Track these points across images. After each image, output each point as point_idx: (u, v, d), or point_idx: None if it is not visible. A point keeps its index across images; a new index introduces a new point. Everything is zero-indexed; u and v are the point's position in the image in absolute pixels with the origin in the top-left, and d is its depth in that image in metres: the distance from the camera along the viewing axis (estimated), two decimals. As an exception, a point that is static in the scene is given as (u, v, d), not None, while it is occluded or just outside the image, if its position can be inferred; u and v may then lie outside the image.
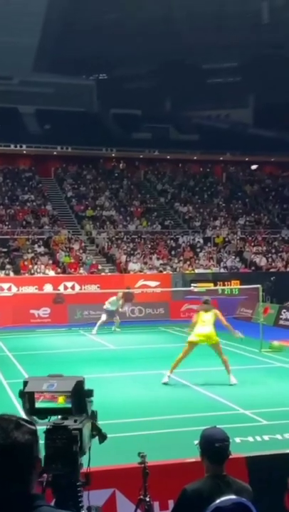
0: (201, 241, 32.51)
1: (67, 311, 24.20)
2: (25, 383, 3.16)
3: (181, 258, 30.04)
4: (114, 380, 13.13)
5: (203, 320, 12.56)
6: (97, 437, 3.24)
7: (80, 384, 3.13)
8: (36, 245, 29.58)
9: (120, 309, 21.75)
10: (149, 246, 31.11)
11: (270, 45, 40.23)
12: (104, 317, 21.15)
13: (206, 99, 44.51)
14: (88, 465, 3.10)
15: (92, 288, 25.40)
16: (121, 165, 40.29)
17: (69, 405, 3.08)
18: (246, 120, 46.64)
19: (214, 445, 3.68)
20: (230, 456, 3.86)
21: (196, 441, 3.92)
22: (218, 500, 3.56)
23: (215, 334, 12.59)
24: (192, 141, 41.67)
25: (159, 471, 5.14)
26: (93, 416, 3.22)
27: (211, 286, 26.41)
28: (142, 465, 4.50)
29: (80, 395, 3.11)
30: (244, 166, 42.61)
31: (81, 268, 27.83)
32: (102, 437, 3.28)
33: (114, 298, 21.25)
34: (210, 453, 3.72)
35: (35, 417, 3.07)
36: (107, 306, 21.19)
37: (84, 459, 3.04)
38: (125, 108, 43.16)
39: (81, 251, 29.70)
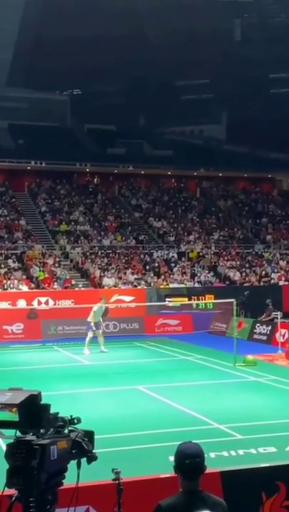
0: (176, 256, 32.61)
1: (40, 326, 23.99)
2: None
3: (154, 272, 30.09)
4: (89, 396, 13.03)
5: None
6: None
7: (32, 398, 3.10)
8: (10, 260, 29.36)
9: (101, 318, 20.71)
10: (124, 261, 31.09)
11: (242, 62, 40.79)
12: (90, 333, 20.23)
13: (180, 115, 44.92)
14: (77, 481, 3.08)
15: (66, 303, 25.24)
16: (95, 180, 40.33)
17: (16, 418, 3.04)
18: (219, 136, 47.14)
19: (185, 461, 3.66)
20: (205, 471, 3.84)
21: (172, 457, 3.89)
22: (192, 516, 3.53)
23: None
24: (166, 157, 41.94)
25: (134, 487, 5.09)
26: (79, 435, 3.22)
27: (185, 300, 26.46)
28: (116, 481, 4.45)
29: (31, 409, 3.07)
30: (218, 181, 43.00)
31: (55, 283, 27.68)
32: (90, 458, 3.27)
33: (98, 305, 20.37)
34: (183, 469, 3.70)
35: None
36: (91, 318, 20.17)
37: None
38: (99, 123, 43.32)
39: (55, 266, 29.56)
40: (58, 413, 3.33)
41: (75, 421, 3.33)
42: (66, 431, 3.29)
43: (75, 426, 3.32)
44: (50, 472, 3.06)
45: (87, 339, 20.09)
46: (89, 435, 3.34)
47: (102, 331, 20.47)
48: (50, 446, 3.04)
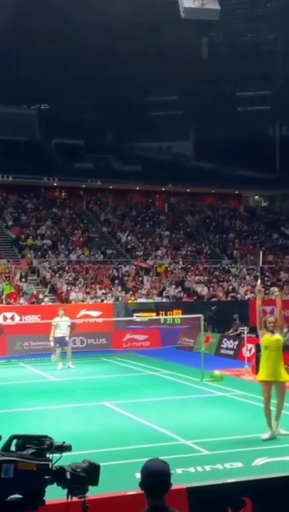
0: (143, 271, 32.64)
1: (6, 342, 23.68)
2: None
3: (122, 287, 30.03)
4: (55, 413, 12.88)
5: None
6: None
7: None
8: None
9: (68, 333, 20.18)
10: (92, 275, 30.98)
11: (210, 80, 41.34)
12: (57, 350, 19.95)
13: (148, 131, 45.22)
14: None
15: (33, 318, 24.98)
16: (63, 194, 40.21)
17: None
18: (187, 152, 47.59)
19: (148, 480, 3.63)
20: (171, 488, 3.82)
21: (138, 474, 3.86)
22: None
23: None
24: (135, 172, 42.11)
25: (100, 504, 5.03)
26: (73, 465, 3.19)
27: (153, 315, 26.46)
28: (82, 499, 4.39)
29: None
30: (185, 197, 43.32)
31: (21, 298, 27.39)
32: (71, 490, 3.23)
33: (57, 319, 19.97)
34: (148, 487, 3.67)
35: None
36: (54, 334, 19.81)
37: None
38: (67, 138, 43.29)
39: (22, 280, 29.28)
40: (47, 436, 3.30)
41: (62, 448, 3.26)
42: (51, 455, 3.24)
43: (60, 453, 3.26)
44: (1, 491, 3.02)
45: (57, 355, 19.88)
46: (92, 468, 3.25)
47: (68, 349, 20.01)
48: (3, 464, 3.01)
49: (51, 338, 20.03)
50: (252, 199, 48.41)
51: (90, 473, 3.29)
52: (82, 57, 38.16)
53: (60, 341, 19.86)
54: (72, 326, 23.39)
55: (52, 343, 20.05)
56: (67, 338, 20.02)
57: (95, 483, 3.32)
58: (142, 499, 3.88)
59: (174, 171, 42.52)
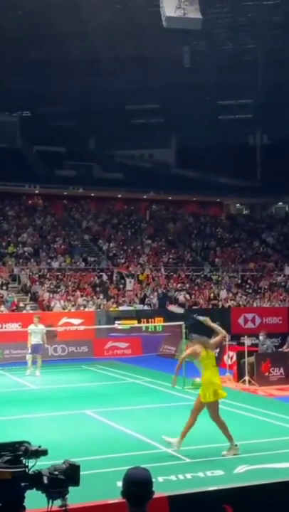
0: (125, 278, 32.61)
1: (-13, 350, 23.50)
2: None
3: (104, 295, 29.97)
4: (34, 421, 12.79)
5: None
6: None
7: None
8: None
9: (45, 340, 20.46)
10: (73, 283, 30.88)
11: (191, 89, 41.56)
12: (28, 357, 20.04)
13: (130, 138, 45.32)
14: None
15: (13, 326, 24.82)
16: (44, 202, 40.09)
17: None
18: (169, 160, 47.75)
19: (131, 488, 3.62)
20: (153, 496, 3.81)
21: (120, 482, 3.85)
22: None
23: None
24: (116, 179, 42.14)
25: (80, 514, 5.00)
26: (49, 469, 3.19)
27: (135, 323, 26.44)
28: (63, 508, 4.36)
29: None
30: (167, 205, 43.43)
31: (2, 306, 27.21)
32: (49, 494, 3.21)
33: (32, 326, 20.10)
34: (130, 495, 3.65)
35: None
36: (31, 341, 19.91)
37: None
38: (49, 145, 43.22)
39: (2, 288, 29.09)
40: (23, 441, 3.26)
41: (37, 452, 3.24)
42: (26, 461, 3.21)
43: (36, 458, 3.23)
44: None
45: (38, 362, 19.86)
46: (72, 469, 3.24)
47: (39, 357, 20.03)
48: None
49: (29, 346, 20.06)
50: (233, 207, 48.67)
51: (70, 474, 3.27)
52: (64, 65, 38.19)
53: (35, 349, 19.92)
54: (55, 334, 23.39)
55: (30, 349, 20.07)
56: (41, 346, 20.08)
57: (76, 483, 3.30)
58: (124, 508, 3.86)
59: (155, 178, 42.64)
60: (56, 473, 3.21)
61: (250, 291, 33.57)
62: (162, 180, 42.50)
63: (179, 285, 32.56)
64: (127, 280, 32.23)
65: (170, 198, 43.16)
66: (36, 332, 20.02)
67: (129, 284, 31.84)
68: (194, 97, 42.88)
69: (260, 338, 19.51)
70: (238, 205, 49.10)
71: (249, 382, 17.15)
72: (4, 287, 29.24)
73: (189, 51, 36.49)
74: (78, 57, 38.17)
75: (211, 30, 35.67)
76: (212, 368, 10.11)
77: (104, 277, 32.41)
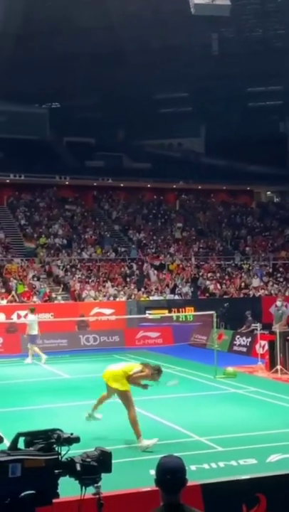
0: (156, 268, 32.64)
1: (20, 340, 23.79)
2: None
3: (133, 285, 30.06)
4: (67, 410, 12.94)
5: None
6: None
7: None
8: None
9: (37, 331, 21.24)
10: (104, 273, 31.03)
11: (220, 76, 41.17)
12: (33, 347, 20.88)
13: (158, 128, 45.14)
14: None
15: (46, 316, 25.10)
16: (75, 193, 40.31)
17: None
18: (198, 149, 47.45)
19: (166, 476, 3.65)
20: (186, 485, 3.84)
21: (153, 471, 3.88)
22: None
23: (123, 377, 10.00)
24: (145, 170, 42.08)
25: (115, 501, 5.07)
26: (83, 456, 3.27)
27: (165, 313, 26.48)
28: (97, 496, 4.42)
29: None
30: (197, 194, 43.24)
31: (34, 296, 27.51)
32: (83, 481, 3.29)
33: (32, 317, 21.08)
34: (164, 483, 3.69)
35: None
36: (30, 332, 20.90)
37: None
38: (78, 136, 43.36)
39: (35, 279, 29.40)
40: (55, 429, 3.31)
41: (70, 440, 3.28)
42: (59, 448, 3.26)
43: (69, 445, 3.28)
44: (10, 490, 3.03)
45: (35, 351, 20.75)
46: (104, 456, 3.29)
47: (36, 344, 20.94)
48: (10, 464, 3.02)
49: (25, 336, 21.20)
50: (264, 195, 48.22)
51: (102, 461, 3.31)
52: (92, 56, 38.17)
53: (34, 339, 20.88)
54: (87, 324, 23.99)
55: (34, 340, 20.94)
56: (38, 336, 21.16)
57: (108, 470, 3.34)
58: (157, 496, 3.90)
59: (185, 167, 42.44)
60: (88, 460, 3.26)
61: (282, 279, 33.30)
62: (192, 169, 42.29)
63: (209, 274, 32.46)
64: (152, 271, 32.24)
65: (200, 187, 42.96)
66: (34, 323, 20.98)
67: (153, 275, 31.79)
68: (223, 84, 42.44)
69: (278, 303, 19.36)
70: (268, 193, 48.62)
71: (281, 371, 17.06)
72: (36, 278, 29.54)
73: (218, 38, 36.12)
74: (106, 47, 38.07)
75: (239, 16, 35.20)
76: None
77: (135, 267, 32.49)
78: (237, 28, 38.87)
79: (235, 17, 32.41)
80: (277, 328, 17.95)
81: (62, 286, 29.63)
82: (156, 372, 10.19)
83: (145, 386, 10.20)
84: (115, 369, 10.23)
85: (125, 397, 9.96)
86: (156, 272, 32.01)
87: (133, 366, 10.24)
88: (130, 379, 9.97)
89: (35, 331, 20.85)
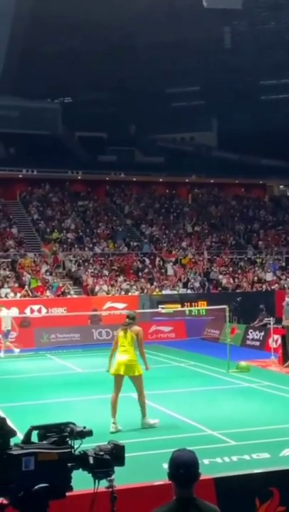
0: (168, 262, 32.61)
1: (33, 334, 23.92)
2: None
3: (145, 279, 30.06)
4: (82, 404, 12.99)
5: (122, 344, 10.75)
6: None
7: None
8: (1, 269, 29.29)
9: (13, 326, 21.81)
10: (116, 268, 31.07)
11: (232, 69, 41.00)
12: (5, 341, 21.39)
13: (171, 122, 45.06)
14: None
15: (59, 311, 25.19)
16: (87, 187, 40.37)
17: None
18: (210, 143, 47.31)
19: (179, 470, 3.65)
20: (199, 478, 3.84)
21: (166, 465, 3.89)
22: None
23: (136, 362, 10.62)
24: (157, 164, 42.04)
25: (127, 494, 5.08)
26: (92, 450, 3.30)
27: (178, 307, 26.47)
28: (110, 489, 4.44)
29: None
30: (209, 188, 43.13)
31: (47, 291, 27.61)
32: (95, 474, 3.31)
33: (3, 313, 21.57)
34: (176, 477, 3.69)
35: None
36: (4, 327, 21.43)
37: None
38: (90, 131, 43.39)
39: (48, 273, 29.50)
40: (68, 423, 3.33)
41: (83, 433, 3.29)
42: (72, 442, 3.27)
43: (82, 438, 3.29)
44: (24, 483, 3.06)
45: (7, 345, 21.31)
46: (117, 449, 3.30)
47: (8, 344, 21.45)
48: (23, 457, 3.04)
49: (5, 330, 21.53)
50: (277, 189, 47.99)
51: (115, 454, 3.32)
52: (104, 50, 38.15)
53: (7, 334, 21.51)
54: (99, 318, 24.22)
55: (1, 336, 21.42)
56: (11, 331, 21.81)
57: (121, 463, 3.35)
58: (170, 490, 3.91)
59: (197, 161, 42.34)
60: (101, 453, 3.27)
61: (295, 273, 33.15)
62: (204, 163, 42.18)
63: (222, 269, 32.40)
64: (169, 265, 32.22)
65: (212, 181, 42.84)
66: (7, 319, 21.54)
67: (170, 269, 31.76)
68: (235, 77, 42.27)
69: (287, 299, 19.28)
70: (281, 186, 48.38)
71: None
72: (49, 273, 29.63)
73: (230, 31, 35.99)
74: (118, 42, 38.03)
75: (252, 9, 35.02)
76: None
77: (147, 262, 32.49)
78: (249, 21, 38.71)
79: (248, 10, 32.27)
80: (288, 323, 17.88)
81: (74, 280, 29.70)
82: (126, 320, 11.00)
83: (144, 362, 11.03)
84: (124, 358, 10.66)
85: (140, 381, 10.65)
86: (173, 266, 31.99)
87: (132, 340, 10.80)
88: (142, 353, 10.81)
89: (8, 327, 21.52)
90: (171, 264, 32.21)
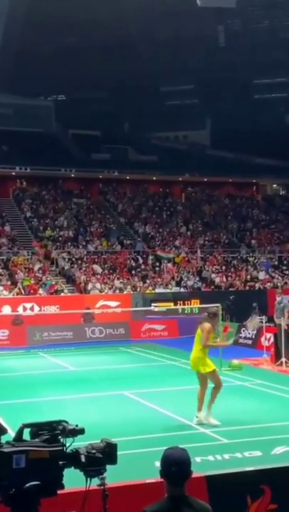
0: (161, 261, 32.63)
1: (26, 332, 23.88)
2: None
3: (139, 277, 30.07)
4: (74, 402, 12.99)
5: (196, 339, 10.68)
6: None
7: None
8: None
9: None
10: (109, 266, 31.05)
11: (226, 68, 41.03)
12: None
13: (164, 120, 45.05)
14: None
15: (52, 309, 25.16)
16: (80, 185, 40.30)
17: None
18: (204, 141, 47.34)
19: (171, 468, 3.66)
20: (191, 476, 3.85)
21: (158, 462, 3.89)
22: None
23: (200, 359, 10.68)
24: (151, 162, 42.02)
25: (119, 492, 5.09)
26: (86, 447, 3.29)
27: (171, 305, 26.48)
28: (102, 487, 4.44)
29: None
30: (203, 187, 43.17)
31: (40, 289, 27.57)
32: (87, 472, 3.31)
33: None
34: (168, 475, 3.70)
35: None
36: None
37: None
38: (84, 129, 43.31)
39: (40, 272, 29.45)
40: (60, 421, 3.32)
41: (75, 431, 3.29)
42: (64, 440, 3.27)
43: (74, 436, 3.29)
44: (15, 481, 3.05)
45: None
46: (109, 447, 3.30)
47: None
48: (14, 455, 3.04)
49: None
50: (270, 188, 48.10)
51: (107, 452, 3.32)
52: (98, 49, 38.09)
53: None
54: (92, 316, 24.23)
55: None
56: None
57: (113, 461, 3.35)
58: (161, 488, 3.92)
59: (190, 160, 42.36)
60: (93, 451, 3.27)
61: (288, 272, 33.25)
62: (197, 161, 42.20)
63: (215, 267, 32.44)
64: (164, 264, 32.23)
65: (205, 179, 42.88)
66: None
67: (166, 266, 31.78)
68: (229, 76, 42.31)
69: (277, 298, 19.33)
70: (274, 185, 48.49)
71: (286, 363, 17.06)
72: (41, 271, 29.58)
73: (224, 30, 36.02)
74: (112, 40, 37.98)
75: (246, 7, 35.06)
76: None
77: (140, 260, 32.49)
78: (243, 20, 38.75)
79: (242, 8, 32.30)
80: (282, 321, 17.93)
81: (67, 278, 29.67)
82: (211, 317, 11.18)
83: (223, 343, 12.11)
84: (193, 353, 10.91)
85: (213, 377, 10.88)
86: (168, 264, 32.01)
87: (199, 337, 10.82)
88: (209, 347, 10.84)
89: None
90: (166, 262, 32.21)
